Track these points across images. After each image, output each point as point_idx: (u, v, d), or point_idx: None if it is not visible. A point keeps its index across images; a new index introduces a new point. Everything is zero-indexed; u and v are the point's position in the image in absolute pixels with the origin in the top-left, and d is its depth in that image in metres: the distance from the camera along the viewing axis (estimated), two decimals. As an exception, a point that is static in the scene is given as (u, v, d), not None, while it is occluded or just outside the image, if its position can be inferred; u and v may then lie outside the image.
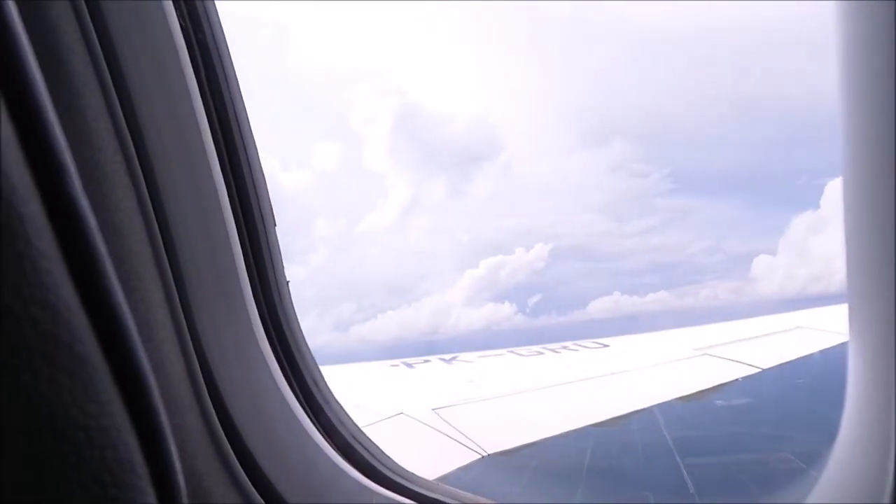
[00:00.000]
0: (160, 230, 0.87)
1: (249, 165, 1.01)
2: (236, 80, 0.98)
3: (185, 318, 0.91)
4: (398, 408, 4.88)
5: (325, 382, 1.13)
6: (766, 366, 5.93)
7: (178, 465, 0.43)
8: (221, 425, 0.94)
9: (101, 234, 0.40)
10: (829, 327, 7.11)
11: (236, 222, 0.99)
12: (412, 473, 1.15)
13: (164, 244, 0.88)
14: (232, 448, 0.95)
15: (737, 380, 5.69)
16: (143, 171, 0.85)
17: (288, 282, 1.08)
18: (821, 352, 6.36)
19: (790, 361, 6.13)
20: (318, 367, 1.12)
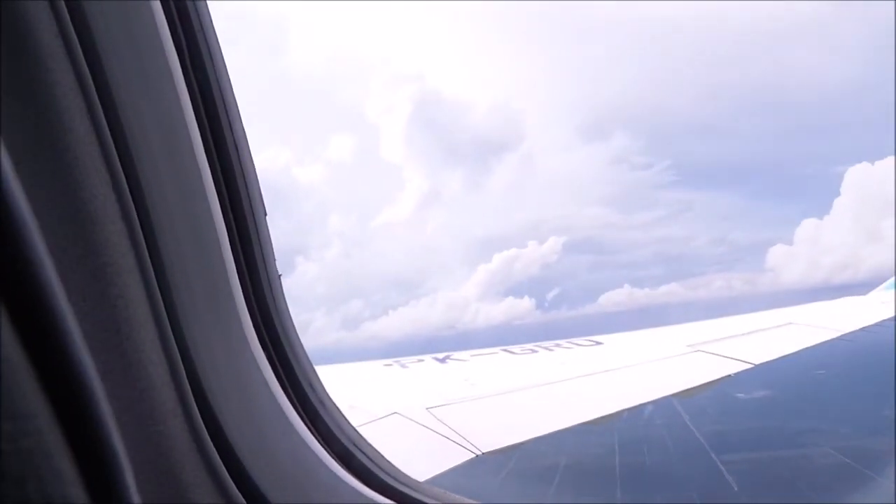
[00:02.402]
0: (140, 219, 0.80)
1: (237, 149, 0.93)
2: (221, 52, 0.91)
3: (169, 315, 0.84)
4: (392, 407, 4.83)
5: (320, 384, 1.06)
6: (757, 361, 5.97)
7: None
8: (208, 432, 0.87)
9: (66, 226, 0.32)
10: (820, 323, 7.19)
11: (223, 211, 0.92)
12: (415, 480, 1.09)
13: (145, 235, 0.81)
14: (220, 456, 0.88)
15: (729, 376, 5.72)
16: (119, 155, 0.78)
17: (280, 275, 1.01)
18: (811, 348, 6.42)
19: (782, 357, 6.17)
20: (313, 368, 1.05)
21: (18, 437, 0.27)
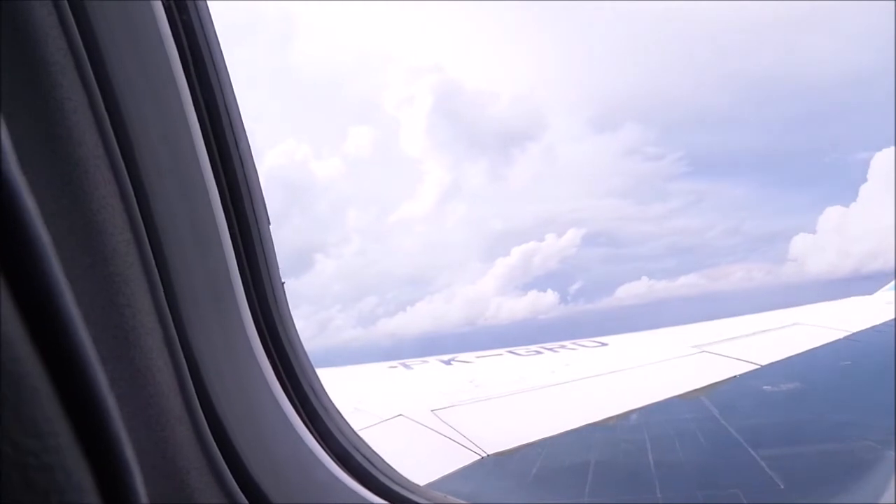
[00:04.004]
0: (146, 230, 0.82)
1: (241, 159, 0.95)
2: (226, 68, 0.93)
3: (175, 323, 0.86)
4: (397, 409, 4.83)
5: (322, 389, 1.07)
6: (764, 362, 5.92)
7: None
8: (214, 437, 0.89)
9: (75, 236, 0.33)
10: (826, 323, 7.13)
11: (227, 220, 0.94)
12: (415, 483, 1.10)
13: (151, 245, 0.83)
14: (225, 460, 0.89)
15: (734, 377, 5.67)
16: (127, 168, 0.80)
17: (283, 283, 1.03)
18: (818, 348, 6.36)
19: (787, 358, 6.12)
20: (315, 374, 1.07)
21: (42, 454, 0.31)
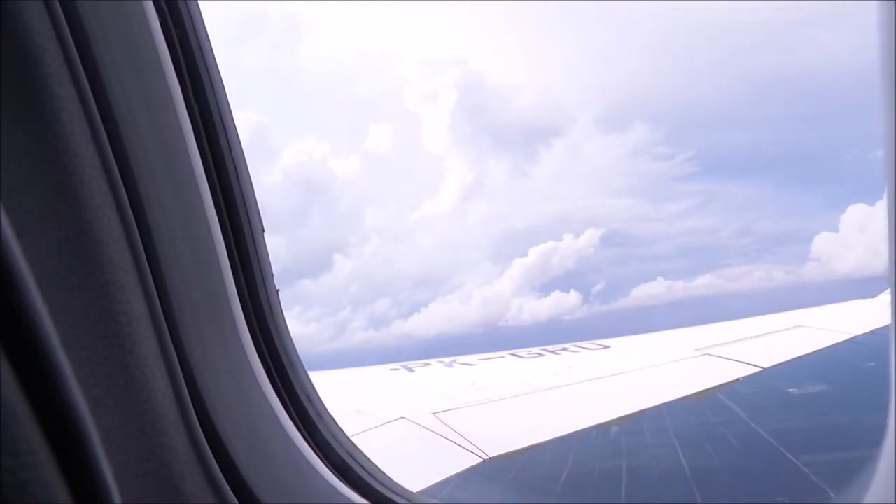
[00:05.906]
0: (142, 238, 0.83)
1: (235, 168, 0.96)
2: (220, 78, 0.94)
3: (170, 331, 0.86)
4: (399, 412, 4.83)
5: (318, 397, 1.08)
6: (766, 365, 5.90)
7: None
8: (209, 444, 0.89)
9: (71, 245, 0.34)
10: (829, 326, 7.10)
11: (222, 229, 0.95)
12: (412, 492, 1.11)
13: (147, 253, 0.84)
14: (220, 467, 0.90)
15: (738, 379, 5.65)
16: (122, 177, 0.81)
17: (277, 290, 1.04)
18: (821, 350, 6.34)
19: (790, 360, 6.10)
20: (310, 381, 1.08)
21: (18, 471, 0.31)
